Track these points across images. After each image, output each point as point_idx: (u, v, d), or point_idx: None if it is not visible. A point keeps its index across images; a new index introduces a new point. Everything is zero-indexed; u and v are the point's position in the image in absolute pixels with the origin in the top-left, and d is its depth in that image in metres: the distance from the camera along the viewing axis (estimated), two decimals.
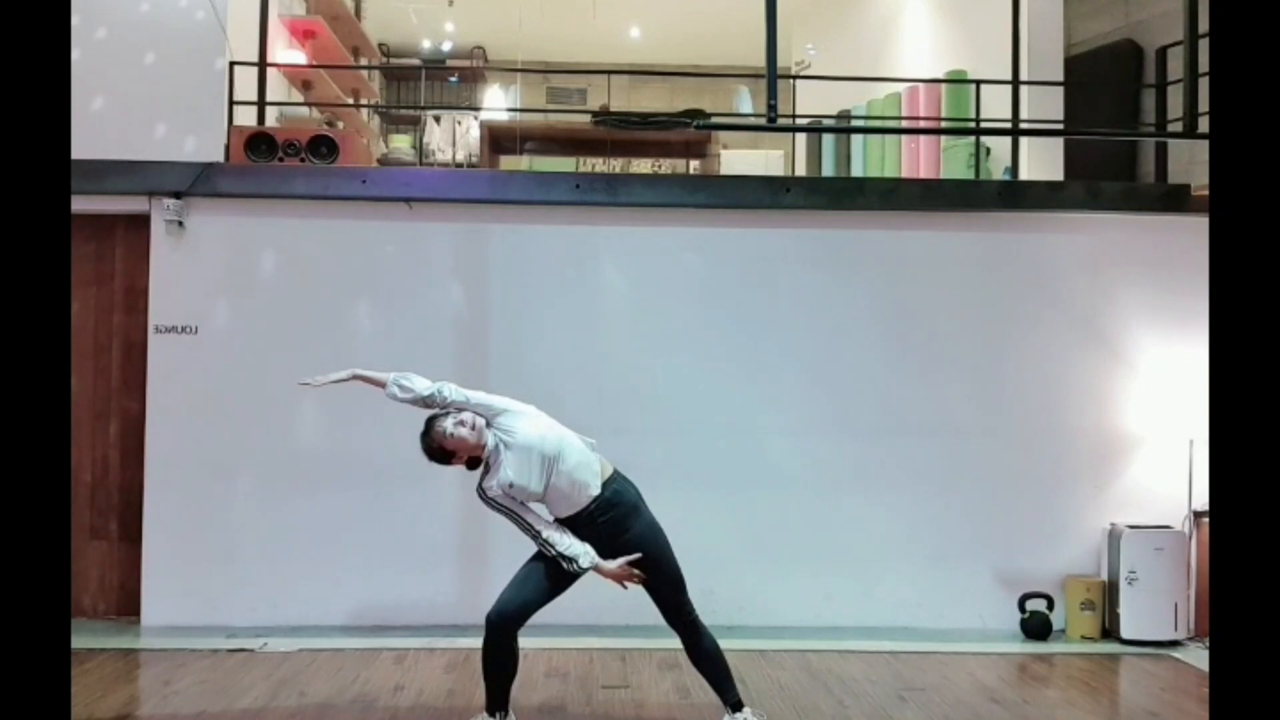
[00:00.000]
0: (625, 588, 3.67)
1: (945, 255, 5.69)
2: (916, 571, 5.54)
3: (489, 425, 3.66)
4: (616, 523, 3.63)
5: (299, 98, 7.18)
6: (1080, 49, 7.20)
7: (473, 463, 3.70)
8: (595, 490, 3.61)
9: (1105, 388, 5.63)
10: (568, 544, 3.58)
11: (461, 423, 3.62)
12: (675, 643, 5.05)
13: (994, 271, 5.69)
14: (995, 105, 6.33)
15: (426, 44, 10.84)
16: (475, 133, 9.46)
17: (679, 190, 5.84)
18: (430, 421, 3.71)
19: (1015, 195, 5.74)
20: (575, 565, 3.57)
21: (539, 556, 3.68)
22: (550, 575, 3.63)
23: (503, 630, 3.65)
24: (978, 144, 6.50)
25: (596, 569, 3.59)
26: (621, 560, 3.60)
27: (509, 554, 5.35)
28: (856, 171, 7.49)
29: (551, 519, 3.67)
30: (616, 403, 5.39)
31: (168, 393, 5.41)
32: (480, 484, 3.68)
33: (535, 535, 3.62)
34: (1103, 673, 4.94)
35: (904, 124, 7.00)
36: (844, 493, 5.54)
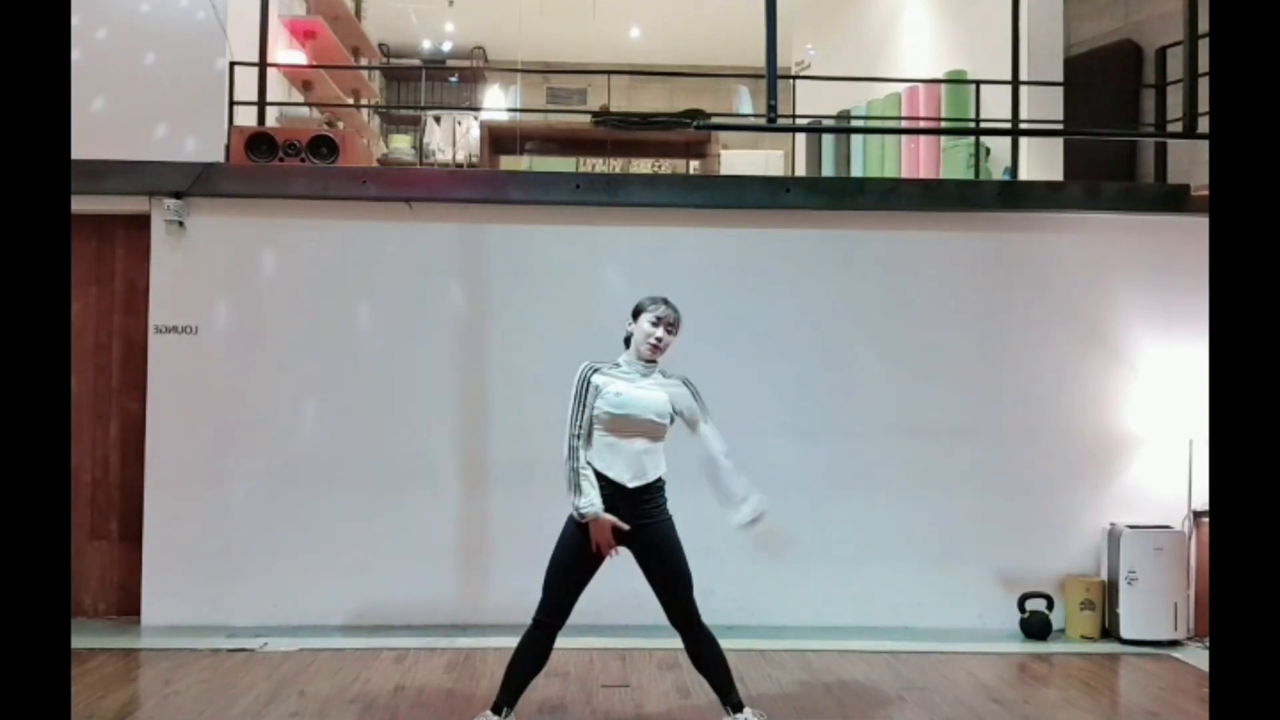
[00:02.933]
0: (600, 552, 3.64)
1: (945, 255, 5.69)
2: (916, 571, 5.54)
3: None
4: (649, 508, 3.67)
5: (299, 98, 7.18)
6: (1080, 49, 7.21)
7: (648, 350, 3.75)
8: (639, 483, 3.65)
9: (1105, 388, 5.63)
10: (589, 484, 3.60)
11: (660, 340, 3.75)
12: (675, 643, 5.05)
13: (994, 271, 5.69)
14: (995, 105, 6.33)
15: (426, 44, 10.85)
16: (475, 133, 9.47)
17: (679, 190, 5.84)
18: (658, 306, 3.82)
19: (1015, 195, 5.74)
20: (580, 501, 3.59)
21: (558, 551, 3.68)
22: (576, 562, 3.64)
23: (550, 629, 3.68)
24: (977, 144, 6.50)
25: (595, 518, 3.59)
26: (617, 544, 3.64)
27: (509, 554, 5.39)
28: (856, 171, 7.49)
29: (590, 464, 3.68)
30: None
31: (168, 393, 5.41)
32: (597, 366, 3.74)
33: (573, 435, 3.66)
34: (1102, 673, 4.94)
35: (904, 124, 7.01)
36: (844, 493, 5.54)
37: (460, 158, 10.05)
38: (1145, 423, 5.59)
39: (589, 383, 3.69)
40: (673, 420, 3.74)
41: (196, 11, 5.57)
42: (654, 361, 3.77)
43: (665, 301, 3.83)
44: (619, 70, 8.75)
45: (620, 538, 3.66)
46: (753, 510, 3.74)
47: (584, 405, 3.68)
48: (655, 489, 3.70)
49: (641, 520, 3.65)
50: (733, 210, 5.64)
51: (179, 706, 4.18)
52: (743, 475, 3.75)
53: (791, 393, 5.57)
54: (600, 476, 3.65)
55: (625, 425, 3.64)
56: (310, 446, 5.46)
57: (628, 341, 3.83)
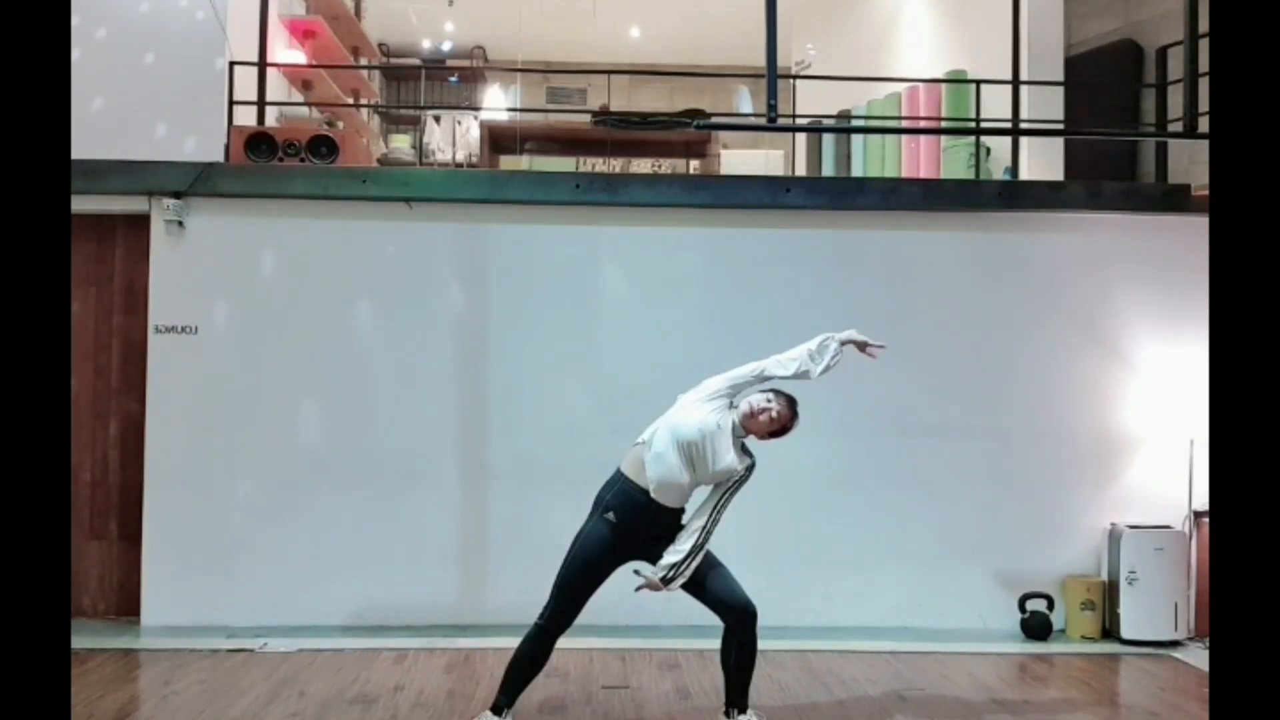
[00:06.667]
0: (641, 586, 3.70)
1: (945, 255, 5.69)
2: (916, 571, 5.54)
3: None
4: (662, 530, 3.68)
5: (299, 98, 7.18)
6: (1080, 49, 7.20)
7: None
8: (659, 499, 3.65)
9: (1105, 388, 5.63)
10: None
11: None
12: (675, 643, 5.07)
13: (994, 271, 5.69)
14: (995, 105, 6.33)
15: (426, 44, 10.84)
16: (475, 133, 9.46)
17: (679, 190, 5.84)
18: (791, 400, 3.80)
19: (1015, 195, 5.74)
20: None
21: (575, 560, 3.66)
22: (593, 572, 3.65)
23: (554, 634, 3.68)
24: (978, 144, 6.50)
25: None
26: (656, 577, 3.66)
27: (509, 554, 5.39)
28: (856, 171, 7.49)
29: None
30: (616, 403, 5.38)
31: (168, 393, 5.41)
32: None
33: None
34: (1103, 673, 4.94)
35: (904, 124, 7.01)
36: (844, 493, 5.54)
37: (460, 158, 10.05)
38: (1145, 423, 5.58)
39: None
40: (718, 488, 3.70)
41: (196, 11, 5.57)
42: (746, 430, 3.72)
43: (793, 409, 3.78)
44: (619, 70, 8.75)
45: (637, 550, 3.68)
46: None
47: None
48: (673, 514, 3.68)
49: (657, 541, 3.65)
50: (733, 210, 5.64)
51: (179, 707, 4.18)
52: (688, 543, 3.64)
53: (791, 392, 5.55)
54: (628, 471, 3.66)
55: (690, 449, 3.60)
56: (310, 446, 5.46)
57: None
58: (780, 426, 3.73)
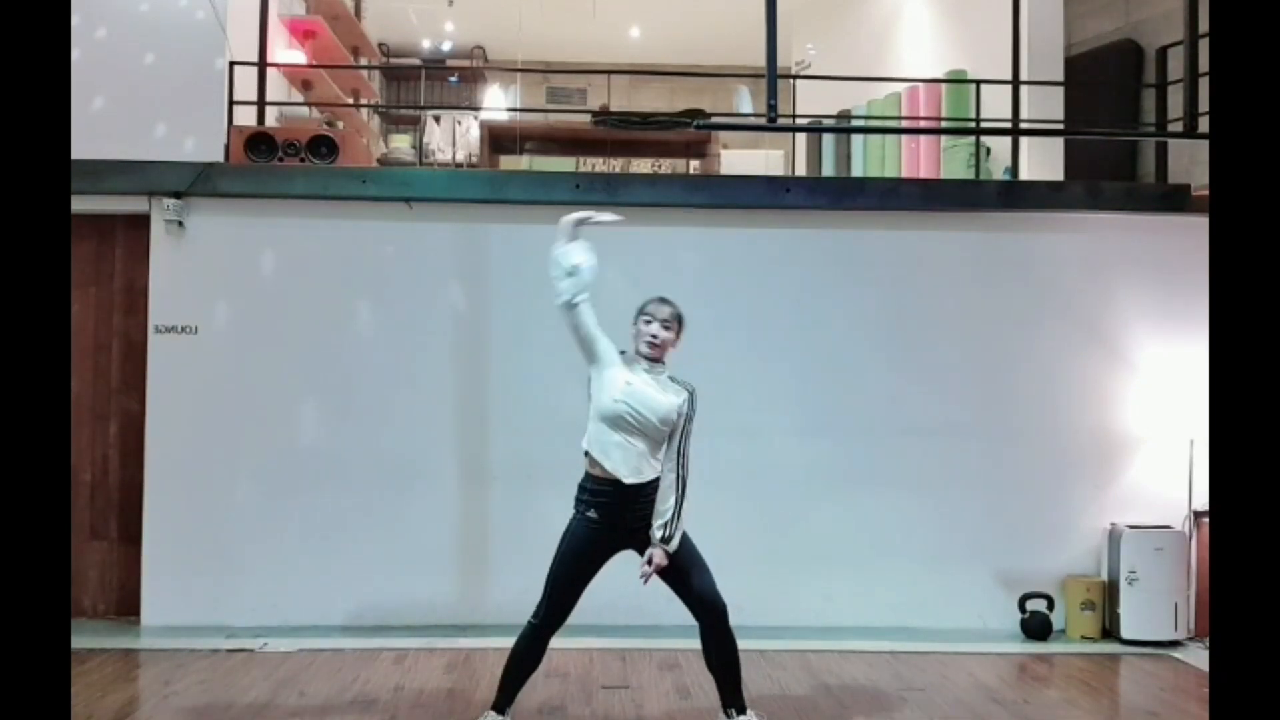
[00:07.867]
0: (646, 573, 3.66)
1: (945, 255, 5.68)
2: (916, 572, 5.53)
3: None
4: (648, 510, 3.64)
5: (299, 98, 7.18)
6: (1080, 49, 7.21)
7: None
8: (635, 480, 3.62)
9: (1105, 388, 5.63)
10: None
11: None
12: (675, 643, 5.07)
13: (994, 271, 5.69)
14: (995, 105, 6.33)
15: (426, 44, 10.85)
16: (475, 133, 9.47)
17: (679, 190, 5.84)
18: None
19: (1015, 195, 5.74)
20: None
21: (563, 558, 3.66)
22: (581, 568, 3.64)
23: (546, 633, 3.68)
24: (978, 144, 6.51)
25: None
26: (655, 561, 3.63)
27: (509, 554, 5.39)
28: (856, 171, 7.49)
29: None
30: None
31: (168, 393, 5.41)
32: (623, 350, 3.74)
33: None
34: (1103, 673, 4.94)
35: (904, 124, 7.01)
36: (844, 493, 5.54)
37: (460, 158, 10.05)
38: (1145, 423, 5.58)
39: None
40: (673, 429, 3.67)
41: (196, 11, 5.57)
42: (658, 361, 3.73)
43: (660, 299, 3.81)
44: (619, 70, 8.76)
45: (624, 540, 3.67)
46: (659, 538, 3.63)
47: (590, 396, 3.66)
48: (646, 492, 3.65)
49: (642, 523, 3.63)
50: (733, 210, 5.64)
51: (178, 707, 4.18)
52: (669, 499, 3.62)
53: (792, 393, 5.57)
54: (594, 471, 3.64)
55: (626, 420, 3.59)
56: (310, 446, 5.46)
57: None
58: (674, 334, 3.77)
